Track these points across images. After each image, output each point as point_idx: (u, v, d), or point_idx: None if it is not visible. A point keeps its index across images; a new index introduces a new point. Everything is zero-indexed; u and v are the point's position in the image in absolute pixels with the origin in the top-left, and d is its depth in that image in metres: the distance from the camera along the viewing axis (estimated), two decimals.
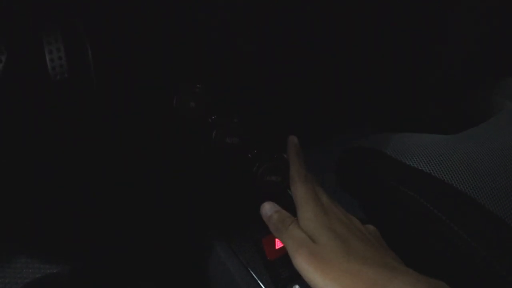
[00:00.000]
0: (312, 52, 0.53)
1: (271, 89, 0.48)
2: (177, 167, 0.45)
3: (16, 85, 0.41)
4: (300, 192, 0.39)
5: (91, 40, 0.42)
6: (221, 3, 0.44)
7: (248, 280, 0.41)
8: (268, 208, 0.40)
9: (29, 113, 0.44)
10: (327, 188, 0.55)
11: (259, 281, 0.41)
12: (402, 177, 0.47)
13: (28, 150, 0.45)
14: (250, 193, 0.44)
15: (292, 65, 0.50)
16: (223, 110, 0.44)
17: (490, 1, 0.68)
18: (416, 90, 0.69)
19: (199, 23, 0.44)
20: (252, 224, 0.45)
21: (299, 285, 0.41)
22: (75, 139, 0.46)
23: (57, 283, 0.47)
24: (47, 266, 0.49)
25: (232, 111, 0.44)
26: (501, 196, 0.42)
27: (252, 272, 0.41)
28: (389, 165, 0.49)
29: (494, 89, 0.64)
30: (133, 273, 0.47)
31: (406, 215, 0.45)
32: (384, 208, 0.50)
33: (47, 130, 0.45)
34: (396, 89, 0.69)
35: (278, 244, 0.44)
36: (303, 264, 0.33)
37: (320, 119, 0.63)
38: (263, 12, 0.47)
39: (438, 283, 0.30)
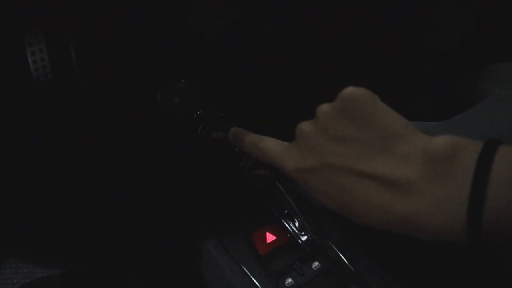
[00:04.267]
0: (299, 44, 0.53)
1: (258, 82, 0.47)
2: (165, 163, 0.45)
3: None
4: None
5: (74, 40, 0.41)
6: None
7: (240, 275, 0.41)
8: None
9: (14, 115, 0.43)
10: None
11: (251, 276, 0.40)
12: None
13: (14, 152, 0.45)
14: (238, 188, 0.44)
15: (280, 58, 0.50)
16: (209, 105, 0.43)
17: None
18: (404, 79, 0.68)
19: (184, 18, 0.44)
20: (242, 219, 0.45)
21: (292, 278, 0.40)
22: (60, 138, 0.46)
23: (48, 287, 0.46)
24: (38, 271, 0.48)
25: (218, 106, 0.44)
26: None
27: (244, 268, 0.41)
28: None
29: (481, 76, 0.64)
30: (124, 274, 0.46)
31: None
32: None
33: (33, 130, 0.45)
34: (384, 79, 0.69)
35: (270, 238, 0.44)
36: None
37: (309, 113, 0.62)
38: (248, 5, 0.46)
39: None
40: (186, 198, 0.46)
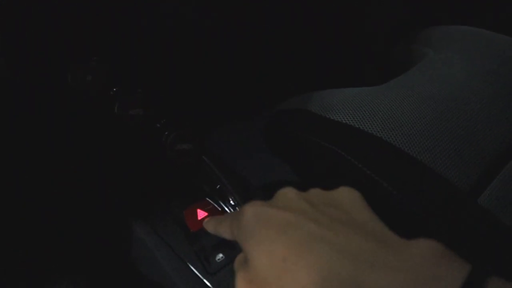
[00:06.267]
0: (227, 14, 0.51)
1: (173, 56, 0.45)
2: (84, 147, 0.42)
3: None
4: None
5: None
6: None
7: (169, 256, 0.39)
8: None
9: None
10: (256, 157, 0.53)
11: (180, 256, 0.39)
12: (324, 132, 0.46)
13: None
14: (164, 165, 0.42)
15: (202, 29, 0.48)
16: (125, 81, 0.41)
17: None
18: (345, 49, 0.68)
19: None
20: (171, 198, 0.43)
21: (223, 253, 0.39)
22: None
23: None
24: None
25: (135, 81, 0.41)
26: (416, 139, 0.42)
27: (172, 247, 0.39)
28: (313, 122, 0.48)
29: (416, 40, 0.64)
30: (51, 270, 0.44)
31: (330, 170, 0.45)
32: (311, 167, 0.49)
33: None
34: (326, 50, 0.68)
35: (201, 215, 0.42)
36: None
37: (248, 89, 0.61)
38: None
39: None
40: (109, 182, 0.43)
